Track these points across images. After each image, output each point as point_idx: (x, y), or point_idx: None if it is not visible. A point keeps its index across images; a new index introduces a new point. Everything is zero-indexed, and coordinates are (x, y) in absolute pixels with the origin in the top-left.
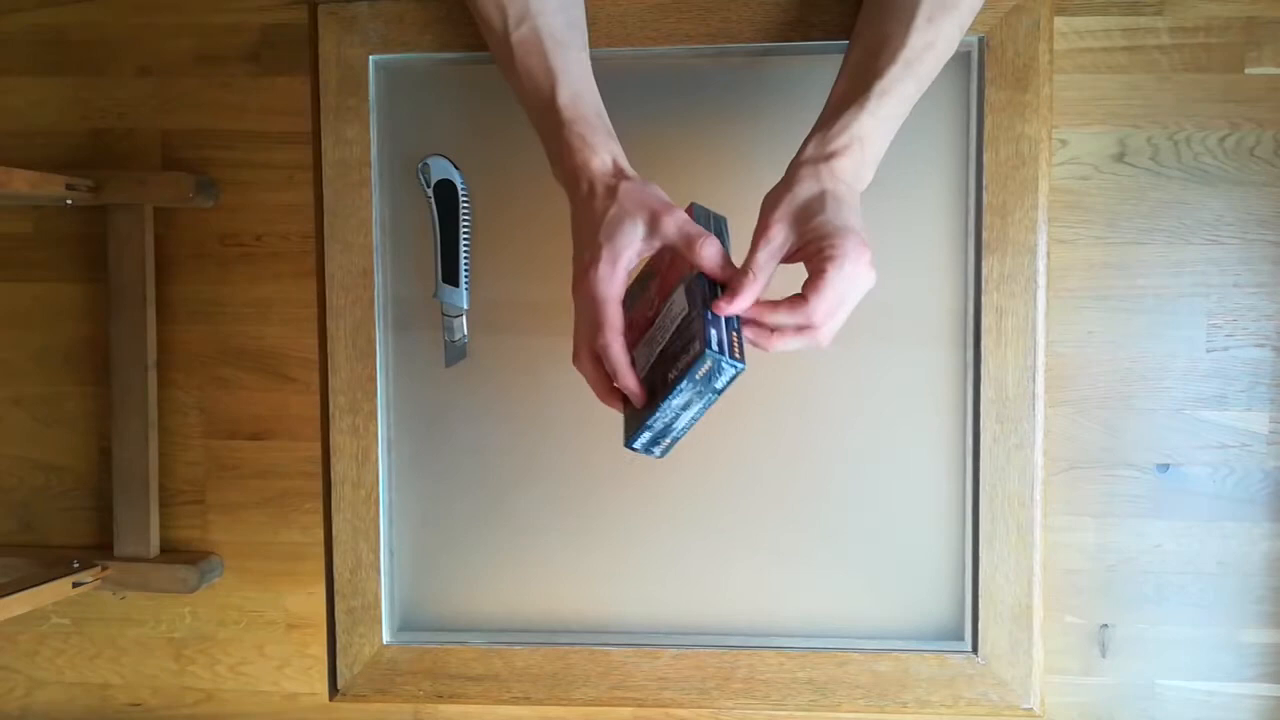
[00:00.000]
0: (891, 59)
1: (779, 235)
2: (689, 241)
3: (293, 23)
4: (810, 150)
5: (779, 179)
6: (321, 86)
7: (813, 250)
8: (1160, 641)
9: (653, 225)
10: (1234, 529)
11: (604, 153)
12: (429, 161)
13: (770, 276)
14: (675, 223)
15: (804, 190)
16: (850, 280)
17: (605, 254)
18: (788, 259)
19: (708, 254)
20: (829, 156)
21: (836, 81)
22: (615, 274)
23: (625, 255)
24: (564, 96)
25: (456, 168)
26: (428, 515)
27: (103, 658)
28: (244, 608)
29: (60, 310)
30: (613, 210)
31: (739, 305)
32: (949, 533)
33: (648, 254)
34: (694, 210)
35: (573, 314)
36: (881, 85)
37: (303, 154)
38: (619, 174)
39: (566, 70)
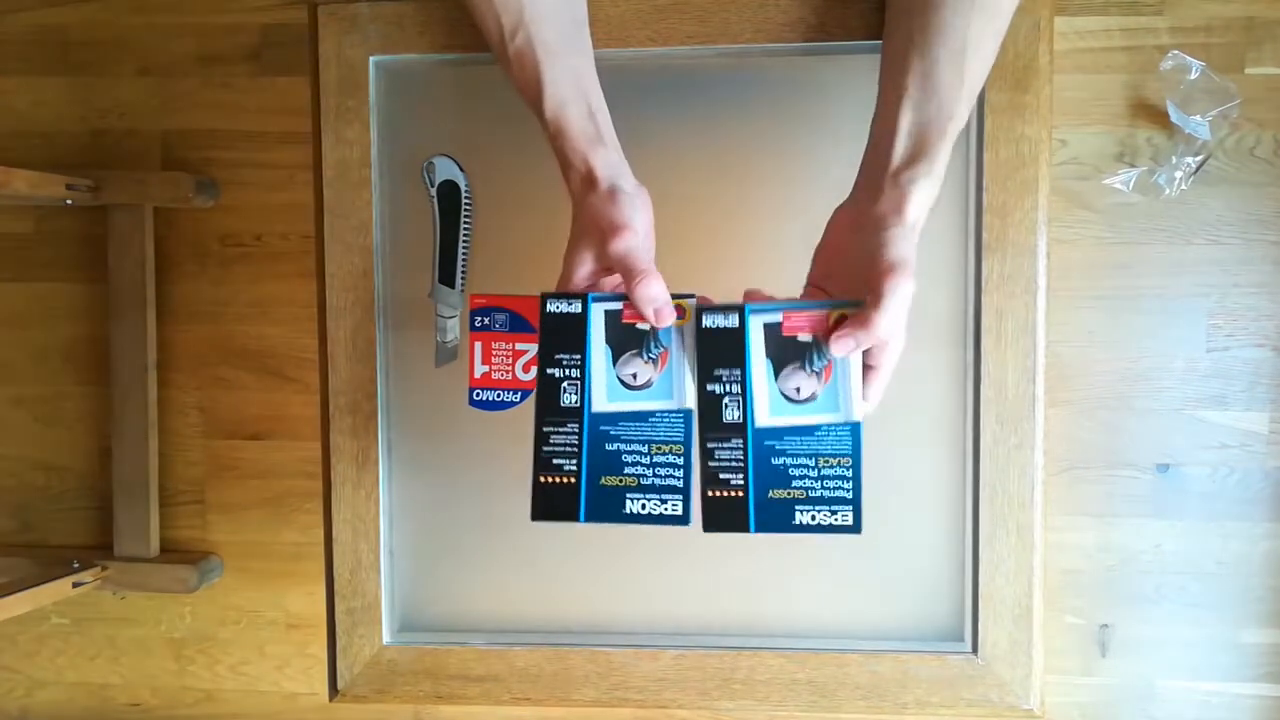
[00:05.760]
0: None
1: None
2: (628, 273)
3: (293, 23)
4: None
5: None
6: (321, 86)
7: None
8: (1160, 641)
9: (602, 247)
10: (1234, 529)
11: (580, 164)
12: (434, 161)
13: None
14: (621, 248)
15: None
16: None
17: (564, 272)
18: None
19: (640, 294)
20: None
21: (891, 111)
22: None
23: (578, 275)
24: (549, 109)
25: (461, 169)
26: (428, 515)
27: (103, 658)
28: (244, 608)
29: (60, 310)
30: (574, 229)
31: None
32: (949, 533)
33: (604, 274)
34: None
35: None
36: (946, 145)
37: (303, 154)
38: (589, 185)
39: (554, 81)
